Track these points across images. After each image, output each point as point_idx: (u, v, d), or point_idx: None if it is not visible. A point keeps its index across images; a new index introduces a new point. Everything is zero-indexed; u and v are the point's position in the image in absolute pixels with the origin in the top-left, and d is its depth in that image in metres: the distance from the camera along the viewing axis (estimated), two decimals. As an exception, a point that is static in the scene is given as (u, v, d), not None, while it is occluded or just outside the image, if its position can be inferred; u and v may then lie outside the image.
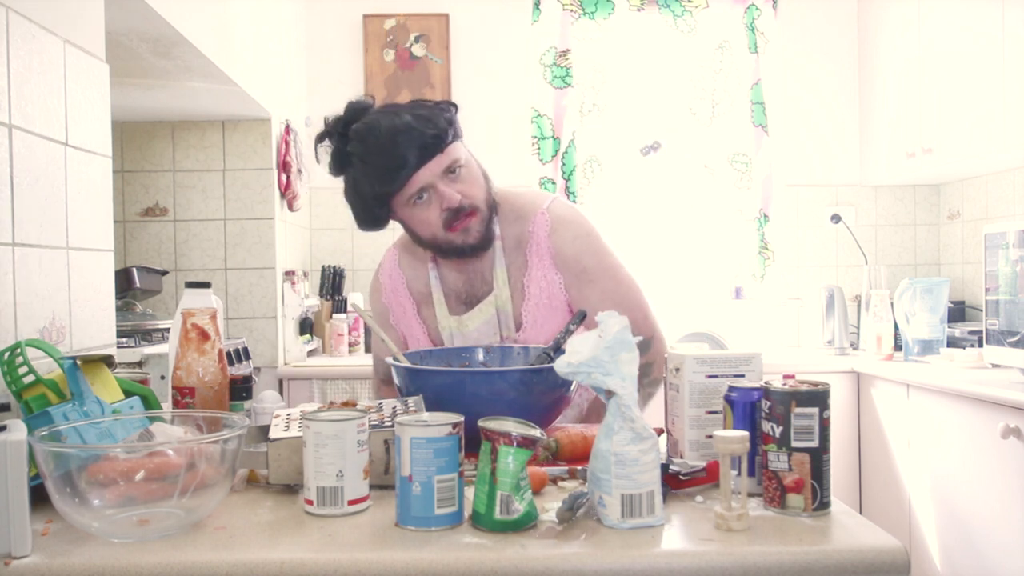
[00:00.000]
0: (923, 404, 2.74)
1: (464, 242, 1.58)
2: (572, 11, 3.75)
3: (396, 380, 1.41)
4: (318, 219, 3.82)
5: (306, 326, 3.38)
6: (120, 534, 0.96)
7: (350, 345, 3.57)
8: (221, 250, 3.21)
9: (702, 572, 0.90)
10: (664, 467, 1.09)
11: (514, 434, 0.97)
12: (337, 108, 1.60)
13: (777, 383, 1.07)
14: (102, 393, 1.18)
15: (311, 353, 3.46)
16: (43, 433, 1.00)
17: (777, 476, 1.03)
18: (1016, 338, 2.44)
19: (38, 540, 0.96)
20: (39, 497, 0.99)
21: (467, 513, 1.01)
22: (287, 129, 3.30)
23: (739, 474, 1.03)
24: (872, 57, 3.72)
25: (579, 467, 1.20)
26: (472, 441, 1.04)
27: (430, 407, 1.25)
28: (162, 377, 2.12)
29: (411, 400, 1.27)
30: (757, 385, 1.10)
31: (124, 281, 2.80)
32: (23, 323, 1.31)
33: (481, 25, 3.81)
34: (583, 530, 0.98)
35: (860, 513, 1.98)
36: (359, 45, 3.81)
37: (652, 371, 1.63)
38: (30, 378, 1.13)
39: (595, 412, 1.66)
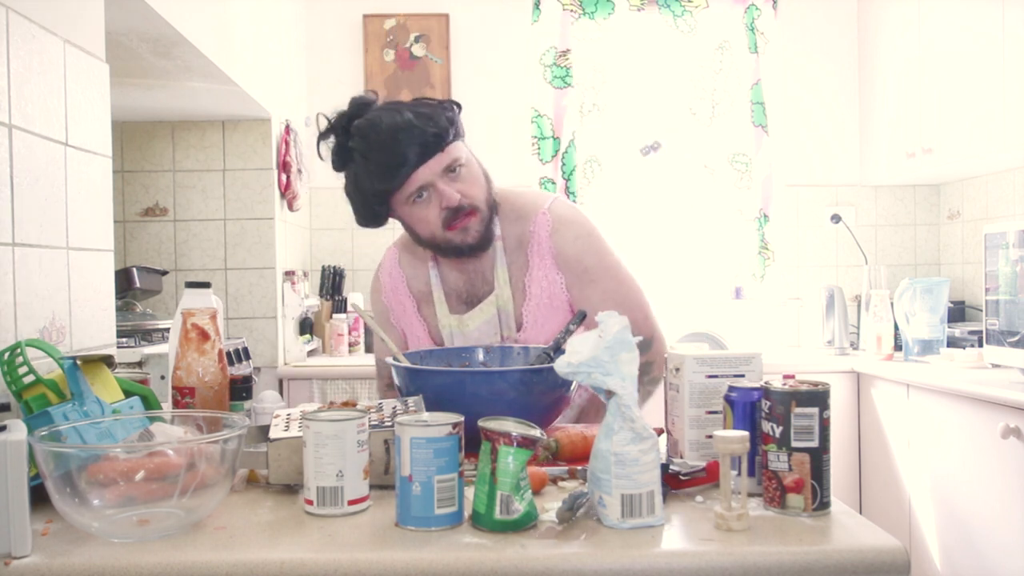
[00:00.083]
0: (923, 404, 2.74)
1: (463, 241, 1.58)
2: (572, 11, 3.75)
3: (396, 380, 1.41)
4: (318, 219, 3.82)
5: (306, 326, 3.38)
6: (120, 534, 0.96)
7: (350, 345, 3.57)
8: (221, 250, 3.21)
9: (702, 572, 0.90)
10: (664, 467, 1.09)
11: (514, 434, 0.97)
12: (337, 108, 1.60)
13: (777, 383, 1.07)
14: (102, 393, 1.18)
15: (311, 353, 3.46)
16: (43, 433, 1.00)
17: (777, 476, 1.03)
18: (1016, 338, 2.44)
19: (38, 540, 0.96)
20: (39, 497, 0.99)
21: (467, 513, 1.01)
22: (287, 129, 3.30)
23: (739, 474, 1.03)
24: (872, 57, 3.72)
25: (579, 467, 1.20)
26: (472, 441, 1.04)
27: (430, 407, 1.25)
28: (162, 377, 2.12)
29: (411, 400, 1.27)
30: (757, 385, 1.10)
31: (124, 281, 2.80)
32: (23, 323, 1.31)
33: (481, 25, 3.81)
34: (583, 530, 0.98)
35: (860, 513, 1.98)
36: (359, 45, 3.81)
37: (652, 370, 1.63)
38: (30, 378, 1.13)
39: (593, 410, 1.66)
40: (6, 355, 1.13)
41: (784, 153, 3.81)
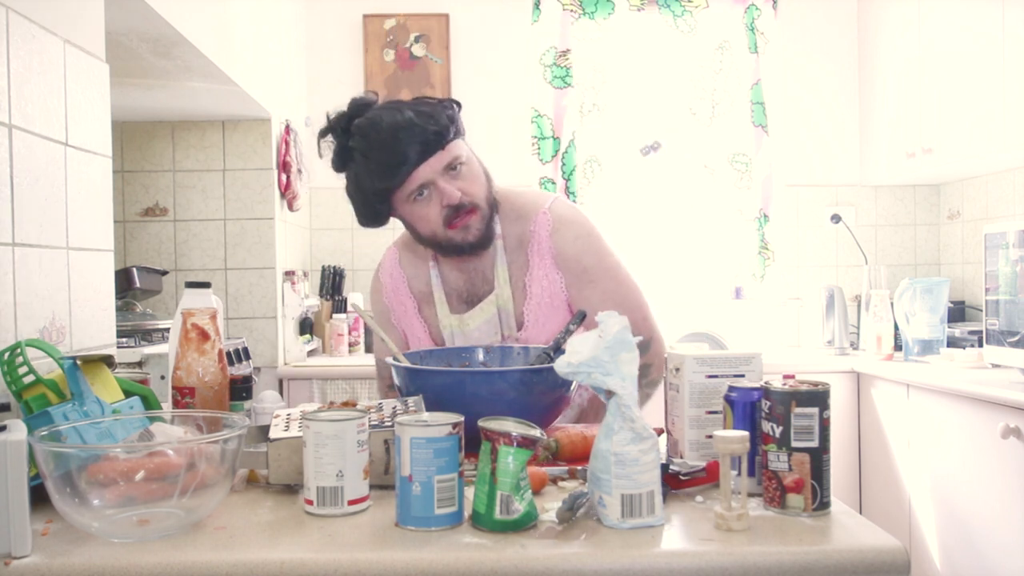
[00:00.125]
0: (923, 404, 2.74)
1: (464, 240, 1.58)
2: (572, 11, 3.75)
3: (396, 380, 1.41)
4: (318, 219, 3.82)
5: (306, 326, 3.38)
6: (120, 534, 0.96)
7: (350, 345, 3.57)
8: (221, 250, 3.21)
9: (702, 572, 0.90)
10: (664, 467, 1.09)
11: (514, 434, 0.97)
12: (338, 108, 1.61)
13: (777, 383, 1.07)
14: (102, 393, 1.18)
15: (311, 353, 3.46)
16: (43, 433, 1.00)
17: (777, 476, 1.03)
18: (1016, 338, 2.44)
19: (38, 540, 0.96)
20: (39, 497, 0.99)
21: (467, 513, 1.01)
22: (287, 129, 3.30)
23: (739, 474, 1.03)
24: (872, 57, 3.72)
25: (579, 467, 1.20)
26: (472, 441, 1.04)
27: (430, 407, 1.25)
28: (162, 377, 2.12)
29: (411, 400, 1.27)
30: (757, 385, 1.10)
31: (124, 281, 2.80)
32: (23, 323, 1.31)
33: (481, 25, 3.81)
34: (583, 530, 0.98)
35: (860, 513, 1.98)
36: (359, 45, 3.81)
37: (651, 372, 1.63)
38: (30, 378, 1.13)
39: (593, 411, 1.66)
40: (6, 355, 1.13)
41: (784, 153, 3.81)
